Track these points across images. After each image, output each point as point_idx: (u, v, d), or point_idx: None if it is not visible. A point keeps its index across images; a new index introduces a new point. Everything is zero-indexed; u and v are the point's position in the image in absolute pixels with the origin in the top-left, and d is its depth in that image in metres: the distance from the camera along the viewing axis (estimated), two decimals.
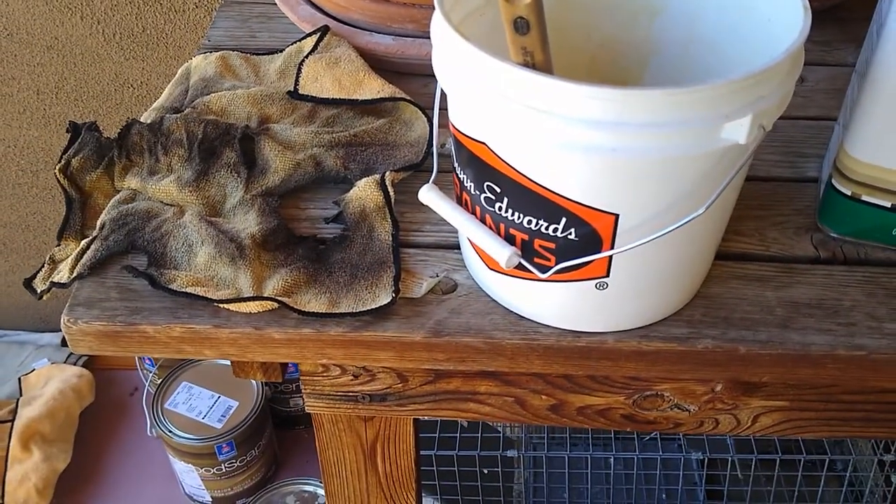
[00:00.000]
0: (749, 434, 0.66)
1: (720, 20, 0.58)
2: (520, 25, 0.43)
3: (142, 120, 0.71)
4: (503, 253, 0.52)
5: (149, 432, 1.53)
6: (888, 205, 0.60)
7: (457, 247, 0.63)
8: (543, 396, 0.64)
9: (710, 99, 0.44)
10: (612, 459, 1.26)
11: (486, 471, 1.18)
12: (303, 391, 0.67)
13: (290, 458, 1.52)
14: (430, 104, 0.77)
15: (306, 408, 0.68)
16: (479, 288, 0.60)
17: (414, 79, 0.79)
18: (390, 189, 0.64)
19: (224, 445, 1.35)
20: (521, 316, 0.58)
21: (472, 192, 0.54)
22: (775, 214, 0.65)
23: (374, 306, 0.57)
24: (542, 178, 0.49)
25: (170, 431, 1.34)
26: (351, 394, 0.66)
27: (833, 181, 0.61)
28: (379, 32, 0.78)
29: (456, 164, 0.56)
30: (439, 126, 0.62)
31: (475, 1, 0.57)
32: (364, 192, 0.64)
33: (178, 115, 0.68)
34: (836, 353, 0.56)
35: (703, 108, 0.45)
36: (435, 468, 1.10)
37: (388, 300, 0.57)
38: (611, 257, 0.52)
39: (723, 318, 0.58)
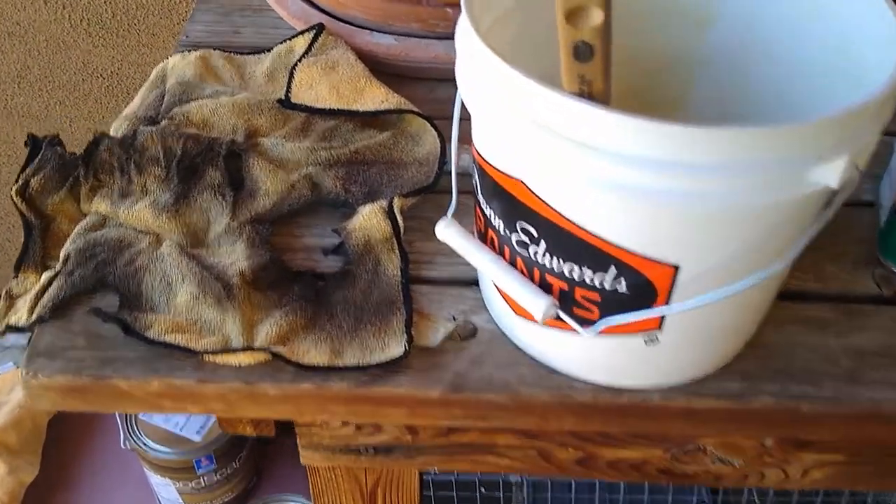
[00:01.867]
0: (796, 488, 0.59)
1: (782, 26, 0.50)
2: (582, 52, 0.35)
3: (111, 132, 0.63)
4: (538, 305, 0.45)
5: (122, 445, 1.44)
6: None
7: (475, 283, 0.56)
8: (571, 449, 0.57)
9: (797, 138, 0.37)
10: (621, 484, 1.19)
11: (483, 489, 1.11)
12: (298, 442, 0.59)
13: (272, 468, 1.44)
14: (439, 113, 0.69)
15: (301, 459, 0.60)
16: (502, 333, 0.53)
17: (419, 83, 0.71)
18: (399, 218, 0.56)
19: (203, 459, 1.27)
20: (551, 368, 0.51)
21: (501, 231, 0.46)
22: (831, 245, 0.58)
23: (383, 358, 0.50)
24: (589, 223, 0.41)
25: (145, 444, 1.26)
26: (353, 447, 0.58)
27: None
28: (380, 31, 0.69)
29: (480, 196, 0.48)
30: (458, 142, 0.54)
31: (505, 2, 0.49)
32: (369, 221, 0.56)
33: (154, 129, 0.60)
34: None
35: (789, 148, 0.37)
36: (432, 493, 1.03)
37: (400, 352, 0.50)
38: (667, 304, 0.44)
39: (781, 371, 0.51)
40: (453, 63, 0.44)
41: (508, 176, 0.43)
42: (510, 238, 0.46)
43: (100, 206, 0.58)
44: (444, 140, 0.63)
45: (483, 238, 0.49)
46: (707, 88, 0.55)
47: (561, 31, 0.35)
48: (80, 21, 1.17)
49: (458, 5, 0.66)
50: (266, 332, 0.51)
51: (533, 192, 0.42)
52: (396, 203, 0.57)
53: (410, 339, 0.50)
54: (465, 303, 0.54)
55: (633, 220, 0.40)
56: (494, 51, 0.39)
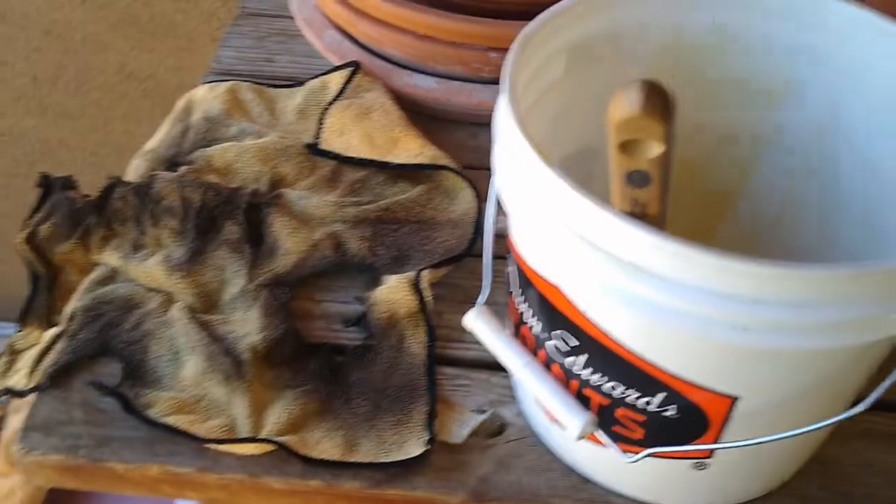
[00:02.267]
0: None
1: (865, 113, 0.45)
2: (636, 179, 0.30)
3: (130, 170, 0.59)
4: (574, 423, 0.40)
5: None
6: None
7: (503, 369, 0.51)
8: None
9: (876, 282, 0.31)
10: None
11: None
12: None
13: None
14: (479, 162, 0.64)
15: None
16: (532, 431, 0.48)
17: (460, 127, 0.66)
18: (427, 292, 0.52)
19: None
20: (586, 478, 0.46)
21: (538, 332, 0.42)
22: None
23: (400, 457, 0.45)
24: (637, 346, 0.36)
25: None
26: None
27: None
28: (420, 72, 0.65)
29: (515, 289, 0.43)
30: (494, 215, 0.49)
31: (553, 73, 0.44)
32: (395, 293, 0.51)
33: (173, 177, 0.56)
34: None
35: (864, 292, 0.32)
36: None
37: (420, 451, 0.45)
38: (717, 440, 0.39)
39: (844, 495, 0.45)
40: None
41: (547, 281, 0.38)
42: (547, 343, 0.41)
43: (111, 258, 0.54)
44: (481, 198, 0.58)
45: (516, 333, 0.45)
46: (773, 169, 0.49)
47: (613, 159, 0.30)
48: (118, 22, 1.13)
49: (502, 50, 0.61)
50: (276, 417, 0.46)
51: (575, 305, 0.37)
52: (425, 276, 0.52)
53: (432, 438, 0.46)
54: (493, 391, 0.50)
55: (687, 349, 0.35)
56: (540, 154, 0.34)
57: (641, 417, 0.39)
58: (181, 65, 1.18)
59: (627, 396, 0.39)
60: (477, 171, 0.63)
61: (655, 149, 0.28)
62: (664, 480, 0.43)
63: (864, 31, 0.43)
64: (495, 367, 0.51)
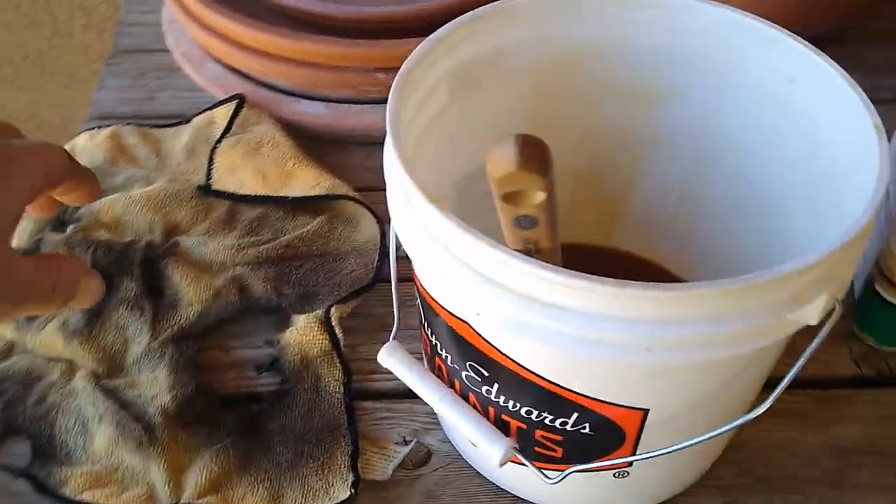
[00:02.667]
0: None
1: (740, 110, 0.46)
2: (524, 223, 0.30)
3: (13, 238, 0.56)
4: (495, 450, 0.40)
5: None
6: None
7: None
8: None
9: (776, 287, 0.33)
10: None
11: None
12: None
13: None
14: (378, 183, 0.63)
15: None
16: (457, 454, 0.48)
17: (353, 150, 0.65)
18: (337, 329, 0.51)
19: None
20: (515, 496, 0.46)
21: (450, 363, 0.42)
22: None
23: (327, 502, 0.45)
24: (546, 373, 0.37)
25: None
26: None
27: (876, 286, 0.51)
28: (308, 98, 0.64)
29: (423, 322, 0.43)
30: (395, 252, 0.49)
31: (439, 100, 0.44)
32: (305, 334, 0.51)
33: (60, 238, 0.54)
34: None
35: (766, 300, 0.33)
36: None
37: (346, 496, 0.45)
38: (635, 450, 0.40)
39: (761, 479, 0.47)
40: None
41: (453, 315, 0.38)
42: (460, 373, 0.41)
43: (5, 331, 0.52)
44: (383, 222, 0.58)
45: (431, 365, 0.44)
46: (664, 169, 0.51)
47: (499, 207, 0.30)
48: None
49: (389, 69, 0.61)
50: (195, 479, 0.45)
51: (483, 338, 0.37)
52: (334, 312, 0.51)
53: (357, 480, 0.45)
54: (417, 420, 0.50)
55: (594, 372, 0.36)
56: (430, 199, 0.33)
57: (559, 437, 0.40)
58: (63, 102, 1.13)
59: (544, 419, 0.39)
60: (377, 192, 0.62)
61: (538, 197, 0.29)
62: (589, 491, 0.44)
63: (732, 31, 0.44)
64: (416, 395, 0.51)
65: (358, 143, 0.66)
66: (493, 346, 0.37)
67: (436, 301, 0.39)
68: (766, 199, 0.45)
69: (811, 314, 0.34)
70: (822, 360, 0.52)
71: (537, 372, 0.37)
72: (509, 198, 0.29)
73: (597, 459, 0.40)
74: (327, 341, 0.50)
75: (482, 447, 0.41)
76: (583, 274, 0.31)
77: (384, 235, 0.57)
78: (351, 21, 0.62)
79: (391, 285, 0.46)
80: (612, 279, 0.31)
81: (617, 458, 0.39)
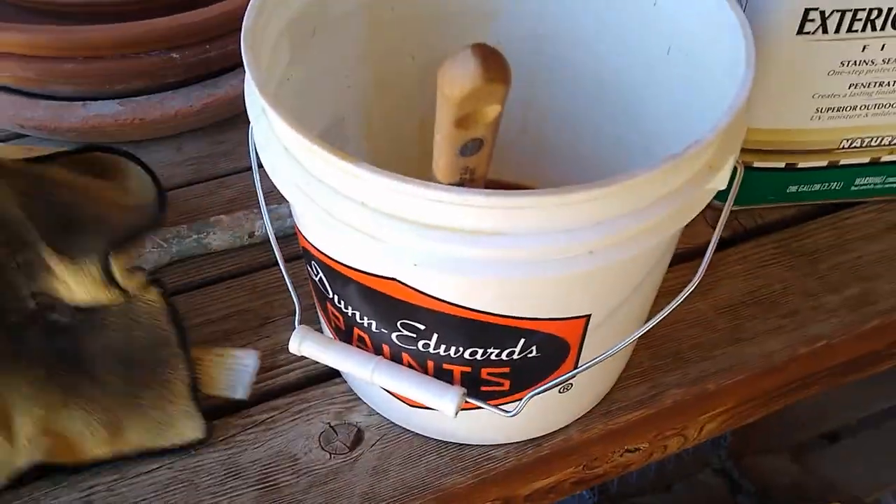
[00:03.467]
0: (693, 445, 0.59)
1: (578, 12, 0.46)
2: (469, 148, 0.28)
3: None
4: (447, 402, 0.38)
5: None
6: (782, 165, 0.54)
7: (334, 375, 0.48)
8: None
9: (698, 157, 0.33)
10: None
11: None
12: None
13: None
14: (197, 174, 0.58)
15: None
16: (389, 423, 0.46)
17: (161, 146, 0.59)
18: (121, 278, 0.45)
19: None
20: (460, 444, 0.45)
21: (375, 329, 0.39)
22: None
23: (178, 441, 0.41)
24: (491, 307, 0.35)
25: None
26: None
27: None
28: (97, 99, 0.56)
29: (330, 296, 0.40)
30: (270, 223, 0.45)
31: (282, 57, 0.40)
32: (84, 294, 0.44)
33: None
34: (798, 355, 0.50)
35: (690, 173, 0.34)
36: None
37: (197, 436, 0.42)
38: (578, 360, 0.40)
39: (674, 355, 0.49)
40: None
41: (375, 276, 0.36)
42: (388, 336, 0.39)
43: None
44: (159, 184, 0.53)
45: (347, 339, 0.42)
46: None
47: (446, 136, 0.28)
48: None
49: (182, 47, 0.55)
50: (27, 433, 0.39)
51: (414, 289, 0.35)
52: (115, 263, 0.45)
53: (197, 397, 0.42)
54: (335, 401, 0.47)
55: (538, 292, 0.35)
56: (326, 147, 0.30)
57: (506, 369, 0.39)
58: None
59: (489, 356, 0.38)
60: (196, 185, 0.57)
61: (493, 112, 0.27)
62: (535, 416, 0.44)
63: None
64: (324, 377, 0.48)
65: (165, 138, 0.60)
66: (429, 296, 0.35)
67: (350, 267, 0.36)
68: (622, 98, 0.46)
69: (722, 179, 0.35)
70: (685, 234, 0.55)
71: (481, 309, 0.35)
72: (462, 121, 0.27)
73: (544, 380, 0.40)
74: (118, 296, 0.45)
75: (432, 403, 0.39)
76: (531, 191, 0.30)
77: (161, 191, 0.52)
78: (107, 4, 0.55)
79: (281, 271, 0.42)
80: (552, 188, 0.30)
81: (563, 373, 0.39)
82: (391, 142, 0.49)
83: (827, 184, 0.56)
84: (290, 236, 0.51)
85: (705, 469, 1.14)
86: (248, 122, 0.37)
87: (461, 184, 0.32)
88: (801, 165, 0.54)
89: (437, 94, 0.26)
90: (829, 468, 1.15)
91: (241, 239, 0.52)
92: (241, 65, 0.34)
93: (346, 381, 0.47)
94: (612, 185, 0.30)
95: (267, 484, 0.43)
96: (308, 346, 0.41)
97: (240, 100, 0.58)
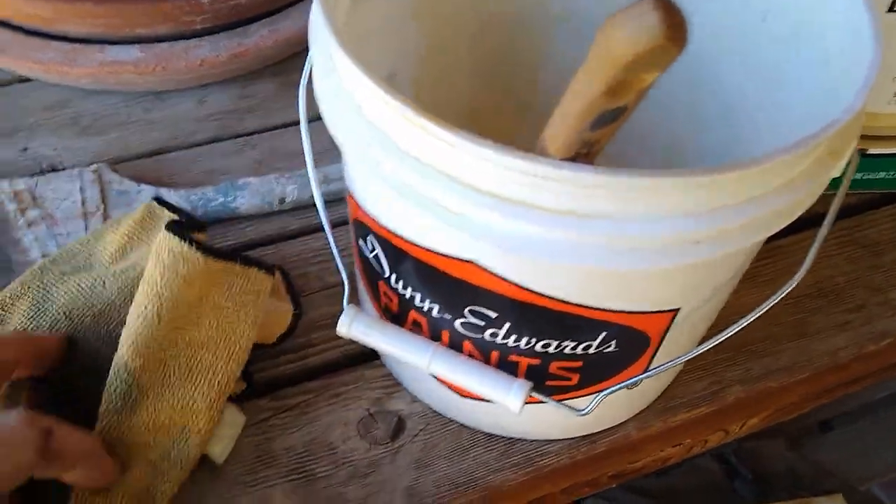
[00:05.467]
0: (733, 439, 0.57)
1: None
2: (605, 118, 0.24)
3: None
4: (511, 397, 0.35)
5: None
6: None
7: (372, 357, 0.44)
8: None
9: (824, 143, 0.30)
10: None
11: None
12: None
13: None
14: (216, 134, 0.54)
15: None
16: (433, 412, 0.42)
17: (181, 98, 0.55)
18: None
19: None
20: (510, 438, 0.42)
21: (436, 314, 0.35)
22: None
23: None
24: (578, 298, 0.32)
25: None
26: None
27: None
28: (117, 43, 0.51)
29: (386, 276, 0.36)
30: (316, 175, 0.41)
31: (343, 7, 0.36)
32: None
33: None
34: (865, 353, 0.47)
35: (811, 159, 0.30)
36: None
37: None
38: (654, 356, 0.37)
39: (736, 349, 0.46)
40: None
41: (450, 257, 0.32)
42: (452, 322, 0.35)
43: None
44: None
45: (397, 320, 0.38)
46: (569, 49, 0.46)
47: (588, 104, 0.24)
48: None
49: None
50: None
51: (493, 274, 0.31)
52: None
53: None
54: (375, 387, 0.43)
55: (632, 283, 0.31)
56: (421, 113, 0.27)
57: (578, 363, 0.35)
58: None
59: (563, 349, 0.34)
60: (219, 143, 0.53)
61: (652, 78, 0.23)
62: (597, 409, 0.40)
63: None
64: (362, 359, 0.44)
65: (186, 90, 0.55)
66: (510, 282, 0.31)
67: (418, 245, 0.33)
68: (701, 64, 0.42)
69: (842, 165, 0.32)
70: None
71: (565, 298, 0.32)
72: (616, 87, 0.23)
73: (615, 376, 0.37)
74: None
75: (495, 396, 0.35)
76: (650, 171, 0.26)
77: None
78: None
79: (329, 242, 0.38)
80: (675, 170, 0.26)
81: (637, 370, 0.36)
82: (437, 106, 0.45)
83: (893, 172, 0.53)
84: (328, 202, 0.47)
85: (704, 454, 1.12)
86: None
87: (574, 160, 0.28)
88: (870, 151, 0.51)
89: (590, 54, 0.22)
90: (823, 456, 1.13)
91: (272, 204, 0.48)
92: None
93: (384, 365, 0.44)
94: (752, 166, 0.26)
95: (302, 473, 0.40)
96: (359, 328, 0.37)
97: (270, 51, 0.54)
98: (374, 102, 0.29)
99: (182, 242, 0.38)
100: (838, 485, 1.08)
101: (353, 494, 0.39)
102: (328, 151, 0.48)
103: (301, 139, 0.38)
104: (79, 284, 0.39)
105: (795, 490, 1.11)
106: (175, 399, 0.37)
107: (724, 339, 0.35)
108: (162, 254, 0.37)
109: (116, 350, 0.37)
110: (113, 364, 0.36)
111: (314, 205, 0.48)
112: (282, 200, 0.48)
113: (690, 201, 0.28)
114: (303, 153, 0.38)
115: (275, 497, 0.39)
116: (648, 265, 0.29)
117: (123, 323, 0.37)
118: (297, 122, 0.55)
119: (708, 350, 0.45)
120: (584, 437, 0.42)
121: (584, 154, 0.27)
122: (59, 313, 0.39)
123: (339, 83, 0.31)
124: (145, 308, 0.37)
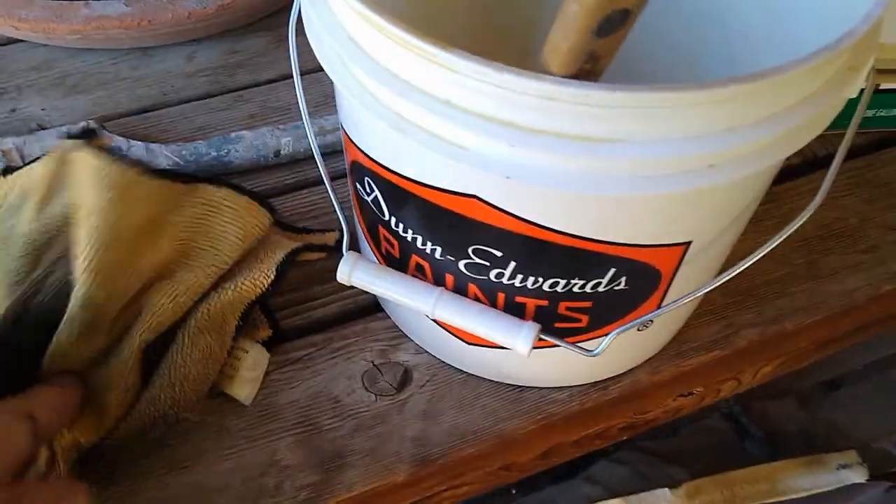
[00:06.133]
0: (745, 389, 0.56)
1: None
2: (613, 22, 0.23)
3: None
4: (519, 340, 0.34)
5: None
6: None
7: (375, 309, 0.43)
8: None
9: (843, 54, 0.28)
10: None
11: None
12: None
13: None
14: (208, 90, 0.52)
15: None
16: (439, 362, 0.41)
17: (168, 53, 0.53)
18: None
19: None
20: (518, 386, 0.41)
21: (439, 256, 0.34)
22: None
23: None
24: (587, 231, 0.30)
25: None
26: None
27: None
28: None
29: (386, 217, 0.35)
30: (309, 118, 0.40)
31: None
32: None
33: None
34: (881, 293, 0.45)
35: (831, 73, 0.29)
36: None
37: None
38: (665, 294, 0.35)
39: (747, 292, 0.45)
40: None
41: (452, 193, 0.31)
42: (456, 264, 0.34)
43: None
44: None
45: (399, 266, 0.37)
46: None
47: (588, 6, 0.23)
48: None
49: None
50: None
51: (497, 208, 0.30)
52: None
53: None
54: (379, 338, 0.42)
55: (645, 212, 0.30)
56: (405, 28, 0.25)
57: (588, 303, 0.34)
58: None
59: (572, 287, 0.33)
60: (212, 99, 0.52)
61: None
62: (607, 353, 0.39)
63: None
64: (365, 311, 0.43)
65: (174, 45, 0.54)
66: (515, 216, 0.30)
67: (418, 183, 0.31)
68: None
69: (860, 82, 0.30)
70: None
71: (574, 232, 0.30)
72: None
73: (626, 316, 0.35)
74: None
75: (503, 340, 0.34)
76: (669, 84, 0.24)
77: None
78: None
79: (327, 188, 0.37)
80: (696, 82, 0.25)
81: (648, 309, 0.35)
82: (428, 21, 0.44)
83: None
84: (323, 155, 0.46)
85: (713, 413, 1.12)
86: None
87: (577, 76, 0.27)
88: (883, 87, 0.49)
89: None
90: (833, 415, 1.13)
91: (266, 158, 0.47)
92: None
93: (389, 317, 0.43)
94: (758, 79, 0.25)
95: (307, 426, 0.39)
96: (360, 274, 0.36)
97: (259, 3, 0.52)
98: (367, 30, 0.28)
99: (98, 157, 0.37)
100: (851, 443, 1.07)
101: (360, 446, 0.38)
102: (322, 105, 0.47)
103: (295, 91, 0.37)
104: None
105: (808, 449, 1.10)
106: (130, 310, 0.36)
107: (737, 272, 0.34)
108: (83, 176, 0.36)
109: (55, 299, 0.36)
110: (73, 301, 0.35)
111: (309, 158, 0.47)
112: (276, 153, 0.47)
113: (709, 118, 0.27)
114: (297, 105, 0.37)
115: (280, 450, 0.38)
116: (658, 190, 0.28)
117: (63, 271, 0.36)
118: (290, 76, 0.53)
119: (719, 294, 0.44)
120: (593, 383, 0.41)
121: (587, 71, 0.26)
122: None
123: (330, 13, 0.30)
124: (99, 233, 0.35)
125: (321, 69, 0.30)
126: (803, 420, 1.14)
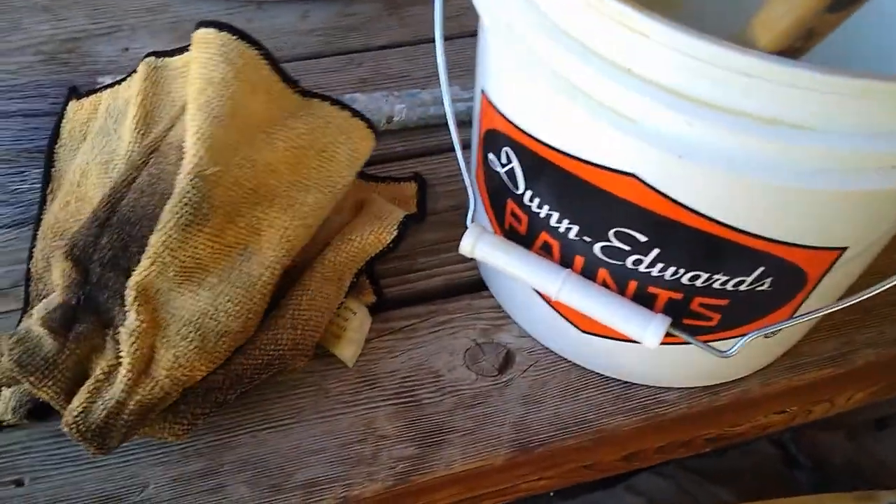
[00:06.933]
0: (837, 413, 0.53)
1: None
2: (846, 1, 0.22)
3: None
4: (649, 333, 0.32)
5: None
6: None
7: (480, 288, 0.42)
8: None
9: None
10: None
11: None
12: None
13: None
14: (320, 49, 0.51)
15: None
16: (543, 348, 0.40)
17: (283, 9, 0.52)
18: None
19: None
20: (625, 382, 0.39)
21: (571, 236, 0.33)
22: None
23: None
24: (744, 221, 0.29)
25: None
26: None
27: None
28: None
29: (520, 191, 0.34)
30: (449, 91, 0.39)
31: None
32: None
33: None
34: None
35: None
36: None
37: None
38: (804, 301, 0.34)
39: (867, 310, 0.43)
40: None
41: (609, 170, 0.29)
42: (591, 246, 0.32)
43: None
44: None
45: (525, 243, 0.35)
46: None
47: None
48: None
49: None
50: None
51: (655, 190, 0.29)
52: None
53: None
54: (482, 317, 0.41)
55: (805, 208, 0.28)
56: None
57: (724, 301, 0.33)
58: None
59: (712, 283, 0.32)
60: (324, 59, 0.51)
61: None
62: (724, 361, 0.38)
63: None
64: (469, 288, 0.42)
65: (289, 1, 0.53)
66: (672, 200, 0.29)
67: (571, 156, 0.30)
68: None
69: None
70: None
71: (730, 223, 0.29)
72: None
73: (758, 320, 0.34)
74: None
75: (630, 331, 0.33)
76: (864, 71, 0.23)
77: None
78: None
79: (457, 157, 0.36)
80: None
81: (782, 315, 0.33)
82: None
83: None
84: (432, 126, 0.45)
85: (762, 438, 1.10)
86: None
87: (782, 53, 0.25)
88: None
89: None
90: (880, 452, 1.10)
91: (379, 122, 0.46)
92: None
93: (493, 296, 0.41)
94: None
95: (406, 398, 0.38)
96: (484, 247, 0.34)
97: None
98: None
99: (231, 37, 0.36)
100: None
101: (460, 424, 0.37)
102: (433, 76, 0.45)
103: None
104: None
105: (855, 482, 1.08)
106: (244, 220, 0.35)
107: (883, 289, 0.32)
108: (209, 49, 0.36)
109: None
110: (183, 175, 0.34)
111: (419, 128, 0.46)
112: (389, 119, 0.46)
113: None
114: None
115: (378, 419, 0.36)
116: (850, 187, 0.26)
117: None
118: (401, 45, 0.52)
119: (838, 310, 0.42)
120: (704, 387, 0.39)
121: (795, 49, 0.24)
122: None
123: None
124: (212, 107, 0.34)
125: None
126: (852, 453, 1.11)
